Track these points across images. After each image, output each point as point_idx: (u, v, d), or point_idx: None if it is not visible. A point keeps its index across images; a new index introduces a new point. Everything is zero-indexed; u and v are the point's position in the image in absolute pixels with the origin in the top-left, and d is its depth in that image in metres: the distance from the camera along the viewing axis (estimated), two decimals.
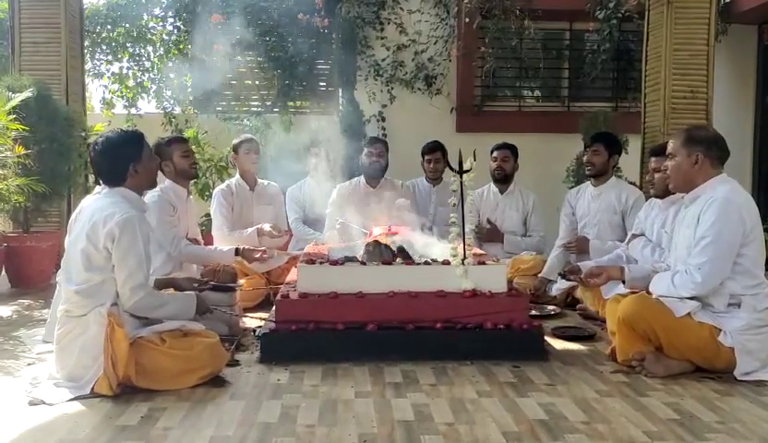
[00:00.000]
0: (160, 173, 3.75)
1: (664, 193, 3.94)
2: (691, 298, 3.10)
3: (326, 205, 5.25)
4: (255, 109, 7.39)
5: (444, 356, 3.32)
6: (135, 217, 2.91)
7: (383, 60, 7.37)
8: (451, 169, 3.72)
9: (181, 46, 7.36)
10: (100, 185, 3.08)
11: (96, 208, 2.95)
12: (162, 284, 3.38)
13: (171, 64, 7.43)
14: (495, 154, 5.46)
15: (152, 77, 7.50)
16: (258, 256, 4.41)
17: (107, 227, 2.85)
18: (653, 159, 4.08)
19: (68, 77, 6.15)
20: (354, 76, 7.28)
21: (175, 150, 4.36)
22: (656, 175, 3.99)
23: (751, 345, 3.04)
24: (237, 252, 4.37)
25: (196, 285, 3.50)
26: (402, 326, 3.38)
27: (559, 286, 4.60)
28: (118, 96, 7.56)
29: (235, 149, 5.12)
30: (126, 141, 3.05)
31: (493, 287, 3.53)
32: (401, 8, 7.35)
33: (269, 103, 7.43)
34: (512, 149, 5.47)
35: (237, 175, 5.14)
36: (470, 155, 3.68)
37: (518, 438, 2.43)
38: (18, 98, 5.24)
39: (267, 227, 4.81)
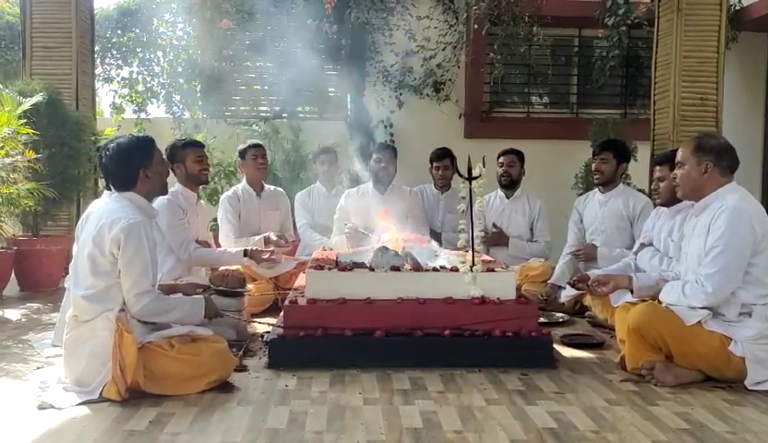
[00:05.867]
0: (171, 175, 3.74)
1: (670, 201, 3.92)
2: (702, 307, 3.08)
3: (334, 211, 5.26)
4: (263, 114, 7.42)
5: (452, 363, 3.31)
6: (140, 222, 2.90)
7: (392, 66, 7.37)
8: (460, 175, 3.71)
9: (191, 51, 7.40)
10: (110, 190, 3.07)
11: (103, 212, 2.95)
12: (164, 291, 3.36)
13: (180, 69, 7.47)
14: (501, 159, 5.46)
15: (162, 81, 7.53)
16: (266, 257, 4.41)
17: (112, 232, 2.85)
18: (657, 167, 4.06)
19: (79, 82, 6.18)
20: (363, 81, 7.30)
21: (189, 154, 4.38)
22: (662, 184, 3.97)
23: (762, 354, 3.02)
24: (246, 254, 4.36)
25: (199, 291, 3.48)
26: (411, 332, 3.37)
27: (568, 294, 4.59)
28: (128, 101, 7.60)
29: (242, 154, 5.11)
30: (137, 146, 3.05)
31: (502, 294, 3.52)
32: (410, 14, 7.34)
33: (277, 109, 7.45)
34: (519, 155, 5.46)
35: (244, 181, 5.13)
36: (478, 161, 3.67)
37: None
38: (28, 102, 5.28)
39: (273, 236, 4.76)
